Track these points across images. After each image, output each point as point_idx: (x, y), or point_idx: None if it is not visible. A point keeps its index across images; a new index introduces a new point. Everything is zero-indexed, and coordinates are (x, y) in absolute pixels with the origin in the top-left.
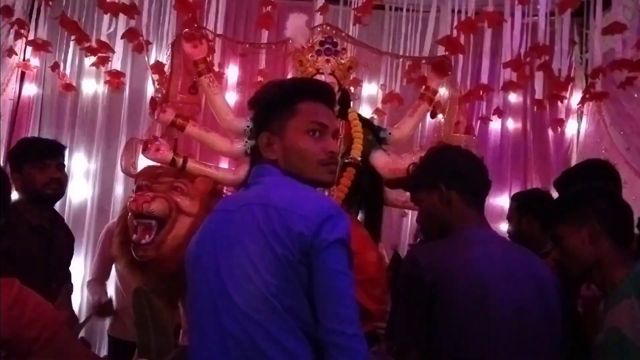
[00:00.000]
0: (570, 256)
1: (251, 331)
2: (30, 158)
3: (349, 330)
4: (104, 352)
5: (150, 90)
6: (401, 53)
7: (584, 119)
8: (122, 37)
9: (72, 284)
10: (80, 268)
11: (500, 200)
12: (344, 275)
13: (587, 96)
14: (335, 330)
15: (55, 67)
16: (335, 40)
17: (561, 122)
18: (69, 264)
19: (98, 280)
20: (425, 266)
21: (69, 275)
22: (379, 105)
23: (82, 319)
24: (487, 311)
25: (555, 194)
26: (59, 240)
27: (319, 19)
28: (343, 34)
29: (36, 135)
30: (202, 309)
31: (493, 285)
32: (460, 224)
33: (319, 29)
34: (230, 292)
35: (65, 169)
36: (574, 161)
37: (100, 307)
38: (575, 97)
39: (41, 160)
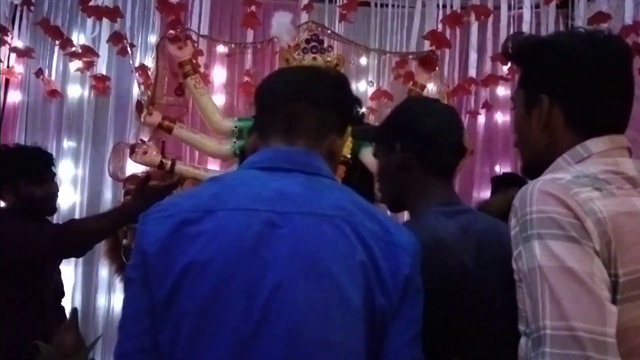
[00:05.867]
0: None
1: None
2: (27, 173)
3: None
4: None
5: (136, 93)
6: (388, 49)
7: None
8: (107, 41)
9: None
10: (70, 276)
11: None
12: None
13: None
14: None
15: (39, 73)
16: (321, 37)
17: None
18: (59, 270)
19: None
20: None
21: (60, 281)
22: (368, 102)
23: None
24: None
25: None
26: None
27: (304, 17)
28: (329, 32)
29: (22, 142)
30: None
31: None
32: (421, 198)
33: (304, 27)
34: (291, 339)
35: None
36: None
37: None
38: None
39: (40, 176)
